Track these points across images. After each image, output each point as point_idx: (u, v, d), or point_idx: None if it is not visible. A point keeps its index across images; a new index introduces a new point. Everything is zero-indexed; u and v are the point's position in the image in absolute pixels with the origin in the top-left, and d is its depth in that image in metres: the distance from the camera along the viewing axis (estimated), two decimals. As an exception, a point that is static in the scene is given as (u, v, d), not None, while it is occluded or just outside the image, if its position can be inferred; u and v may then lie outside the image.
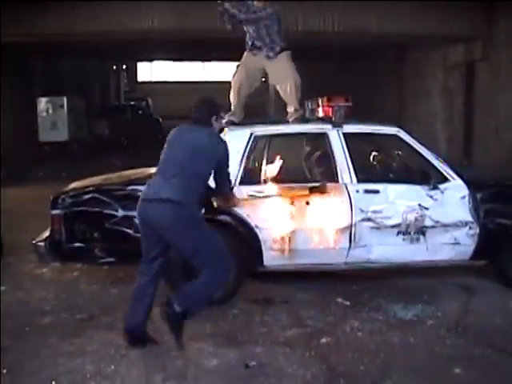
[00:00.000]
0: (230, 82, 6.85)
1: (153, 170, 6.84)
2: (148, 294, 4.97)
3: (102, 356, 4.82)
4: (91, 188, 6.14)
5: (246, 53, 6.90)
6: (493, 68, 13.62)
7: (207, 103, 5.18)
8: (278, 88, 6.82)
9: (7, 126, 17.26)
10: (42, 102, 19.30)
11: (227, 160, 5.01)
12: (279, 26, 6.76)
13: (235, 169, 5.89)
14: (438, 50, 15.96)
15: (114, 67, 34.46)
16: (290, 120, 6.59)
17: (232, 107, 6.76)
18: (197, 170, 4.82)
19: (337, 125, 6.19)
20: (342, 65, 22.86)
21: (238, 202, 5.68)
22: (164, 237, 4.81)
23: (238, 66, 6.90)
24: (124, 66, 38.37)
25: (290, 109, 6.67)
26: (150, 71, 45.62)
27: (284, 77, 6.72)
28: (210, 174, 4.98)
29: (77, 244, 5.92)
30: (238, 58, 6.99)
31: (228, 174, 5.15)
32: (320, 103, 6.50)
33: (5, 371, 4.59)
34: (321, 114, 6.44)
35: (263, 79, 7.02)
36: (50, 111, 19.28)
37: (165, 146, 5.03)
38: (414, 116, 17.48)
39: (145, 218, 4.84)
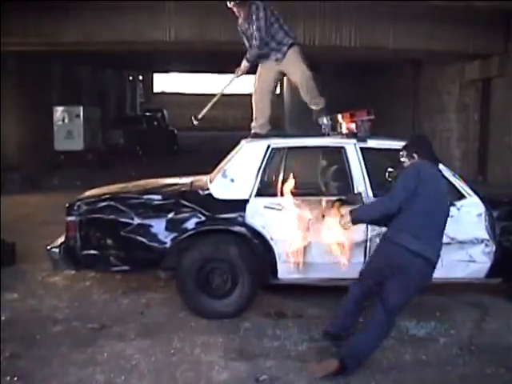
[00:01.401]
0: (246, 95, 6.89)
1: (167, 180, 6.91)
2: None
3: (112, 366, 4.81)
4: (107, 196, 6.15)
5: (259, 65, 6.93)
6: (509, 85, 13.55)
7: (427, 139, 5.33)
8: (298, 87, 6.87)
9: (24, 134, 17.39)
10: (59, 111, 19.40)
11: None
12: (279, 24, 6.80)
13: (252, 180, 5.89)
14: (454, 65, 15.90)
15: (131, 78, 34.68)
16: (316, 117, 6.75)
17: (257, 120, 6.81)
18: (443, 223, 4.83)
19: (361, 139, 6.18)
20: (357, 79, 22.84)
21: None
22: None
23: (256, 80, 6.95)
24: (140, 77, 38.64)
25: (311, 106, 6.79)
26: (166, 82, 45.89)
27: (294, 74, 6.81)
28: None
29: (91, 251, 5.92)
30: (253, 71, 7.01)
31: None
32: (340, 119, 6.48)
33: (16, 378, 4.60)
34: (344, 130, 6.41)
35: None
36: (66, 120, 19.37)
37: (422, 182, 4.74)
38: (429, 131, 17.39)
39: None
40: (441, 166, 5.37)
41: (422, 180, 4.67)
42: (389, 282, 4.69)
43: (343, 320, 5.06)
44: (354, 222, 4.94)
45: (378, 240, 5.84)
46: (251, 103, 6.95)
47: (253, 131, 6.78)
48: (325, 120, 6.77)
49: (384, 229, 5.05)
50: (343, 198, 5.68)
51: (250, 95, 7.08)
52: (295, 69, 6.79)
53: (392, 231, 4.76)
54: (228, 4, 6.79)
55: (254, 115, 6.87)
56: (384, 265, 4.77)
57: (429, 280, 4.81)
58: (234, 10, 6.81)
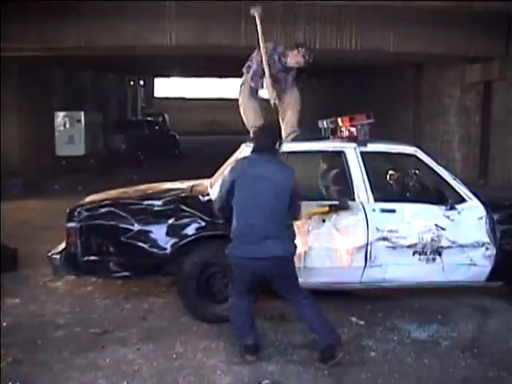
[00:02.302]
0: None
1: (168, 184, 6.90)
2: None
3: (114, 371, 4.82)
4: (107, 202, 6.16)
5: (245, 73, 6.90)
6: (510, 87, 13.57)
7: (271, 128, 5.26)
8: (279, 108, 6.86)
9: (25, 139, 17.42)
10: (60, 116, 19.39)
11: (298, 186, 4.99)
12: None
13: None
14: (455, 68, 15.93)
15: (132, 82, 34.69)
16: (287, 140, 6.64)
17: (253, 124, 6.75)
18: (282, 208, 4.85)
19: (362, 143, 6.18)
20: (358, 82, 22.87)
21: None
22: None
23: (241, 86, 6.90)
24: (141, 82, 38.65)
25: (286, 131, 6.71)
26: (167, 87, 45.92)
27: (287, 104, 6.80)
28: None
29: (92, 257, 5.92)
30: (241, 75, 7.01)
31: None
32: (340, 123, 6.48)
33: (18, 384, 4.61)
34: (346, 133, 6.40)
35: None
36: (67, 125, 19.35)
37: (234, 181, 4.93)
38: (430, 134, 17.43)
39: None
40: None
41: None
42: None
43: (251, 330, 5.07)
44: None
45: (378, 244, 5.87)
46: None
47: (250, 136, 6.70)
48: (325, 124, 6.78)
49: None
50: (336, 203, 5.74)
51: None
52: (290, 102, 6.82)
53: None
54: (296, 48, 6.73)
55: (252, 121, 6.80)
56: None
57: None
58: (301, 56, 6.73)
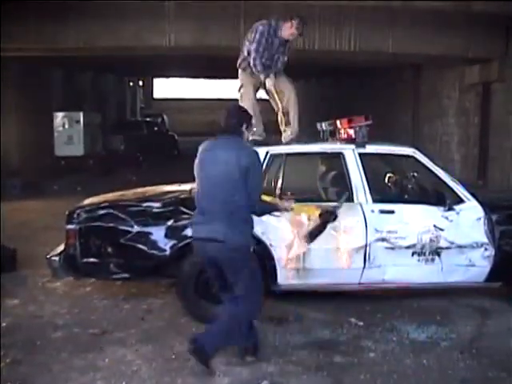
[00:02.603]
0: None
1: (167, 187, 6.90)
2: None
3: (113, 372, 4.81)
4: (106, 203, 6.17)
5: (243, 72, 6.87)
6: (509, 89, 13.58)
7: (236, 110, 5.07)
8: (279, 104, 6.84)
9: (24, 139, 17.42)
10: (59, 117, 19.40)
11: (259, 171, 4.89)
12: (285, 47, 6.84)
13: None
14: (454, 70, 15.94)
15: (131, 83, 34.71)
16: (285, 141, 6.65)
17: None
18: (237, 191, 4.69)
19: (360, 145, 6.19)
20: (356, 83, 22.87)
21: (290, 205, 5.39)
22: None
23: (241, 88, 6.89)
24: (140, 83, 38.67)
25: (287, 131, 6.73)
26: (166, 88, 45.91)
27: (286, 93, 6.80)
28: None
29: (91, 259, 5.93)
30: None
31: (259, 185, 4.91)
32: (339, 125, 6.48)
33: (17, 384, 4.61)
34: (344, 135, 6.39)
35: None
36: (66, 126, 19.36)
37: (198, 163, 4.95)
38: (429, 135, 17.44)
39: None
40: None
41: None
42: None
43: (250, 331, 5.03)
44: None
45: (377, 245, 5.87)
46: None
47: (250, 138, 6.66)
48: (323, 126, 6.78)
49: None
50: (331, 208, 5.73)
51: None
52: (287, 89, 6.83)
53: None
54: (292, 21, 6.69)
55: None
56: None
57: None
58: (294, 28, 6.71)
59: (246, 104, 6.68)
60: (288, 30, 6.68)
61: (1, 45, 11.61)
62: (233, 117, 4.92)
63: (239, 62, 6.86)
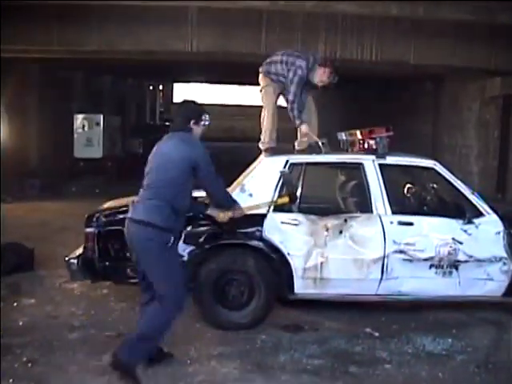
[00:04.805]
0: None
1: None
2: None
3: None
4: (126, 208, 6.17)
5: (264, 77, 6.82)
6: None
7: (184, 106, 5.21)
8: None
9: (44, 140, 17.54)
10: (79, 119, 19.51)
11: (205, 164, 4.95)
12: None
13: (270, 196, 5.92)
14: (475, 82, 15.87)
15: (151, 87, 34.84)
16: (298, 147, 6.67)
17: (268, 133, 6.71)
18: (166, 183, 4.78)
19: (380, 156, 6.18)
20: (377, 93, 22.82)
21: (241, 211, 5.48)
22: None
23: (262, 90, 6.85)
24: (160, 87, 38.79)
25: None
26: (186, 92, 46.00)
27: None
28: (185, 185, 4.87)
29: (109, 263, 5.95)
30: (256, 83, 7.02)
31: (214, 180, 5.09)
32: (359, 135, 6.47)
33: (32, 384, 4.64)
34: (364, 146, 6.39)
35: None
36: (86, 128, 19.46)
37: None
38: (449, 147, 17.36)
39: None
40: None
41: None
42: None
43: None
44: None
45: (395, 257, 5.86)
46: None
47: (268, 146, 6.64)
48: (344, 136, 6.77)
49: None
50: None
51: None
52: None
53: None
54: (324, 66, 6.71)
55: (263, 133, 6.77)
56: None
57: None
58: (326, 76, 6.70)
59: (268, 113, 6.67)
60: (320, 77, 6.67)
61: (1, 45, 11.64)
62: (179, 114, 5.15)
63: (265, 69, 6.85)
